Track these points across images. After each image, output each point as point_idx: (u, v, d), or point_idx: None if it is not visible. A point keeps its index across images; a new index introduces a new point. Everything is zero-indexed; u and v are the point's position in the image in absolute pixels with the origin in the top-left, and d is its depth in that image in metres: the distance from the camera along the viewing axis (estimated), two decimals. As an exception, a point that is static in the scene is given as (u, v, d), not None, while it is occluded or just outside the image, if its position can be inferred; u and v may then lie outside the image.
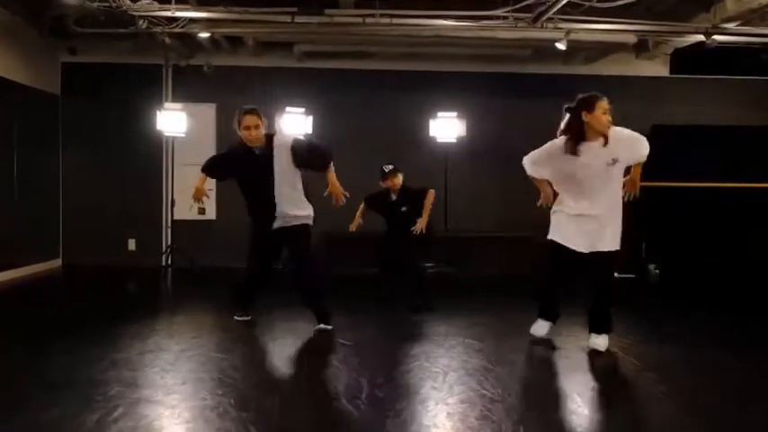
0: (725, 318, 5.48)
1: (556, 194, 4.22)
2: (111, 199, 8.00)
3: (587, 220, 3.94)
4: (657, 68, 8.44)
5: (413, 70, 8.14)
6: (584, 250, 3.94)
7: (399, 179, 5.45)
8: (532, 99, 7.98)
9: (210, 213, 8.02)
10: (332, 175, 4.42)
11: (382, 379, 3.39)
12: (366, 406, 2.98)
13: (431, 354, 3.91)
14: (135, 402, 2.98)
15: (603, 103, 3.86)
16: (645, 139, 4.01)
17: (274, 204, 4.38)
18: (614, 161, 3.88)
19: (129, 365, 3.60)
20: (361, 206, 5.60)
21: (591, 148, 3.89)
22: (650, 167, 7.95)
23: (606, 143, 3.86)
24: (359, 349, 4.05)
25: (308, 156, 4.42)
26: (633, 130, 8.57)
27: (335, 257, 7.73)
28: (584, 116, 3.86)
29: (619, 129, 3.94)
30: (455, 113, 7.37)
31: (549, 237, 4.15)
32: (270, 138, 4.44)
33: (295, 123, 7.14)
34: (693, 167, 7.71)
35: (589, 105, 3.86)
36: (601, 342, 3.97)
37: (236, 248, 7.97)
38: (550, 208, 4.23)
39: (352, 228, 5.56)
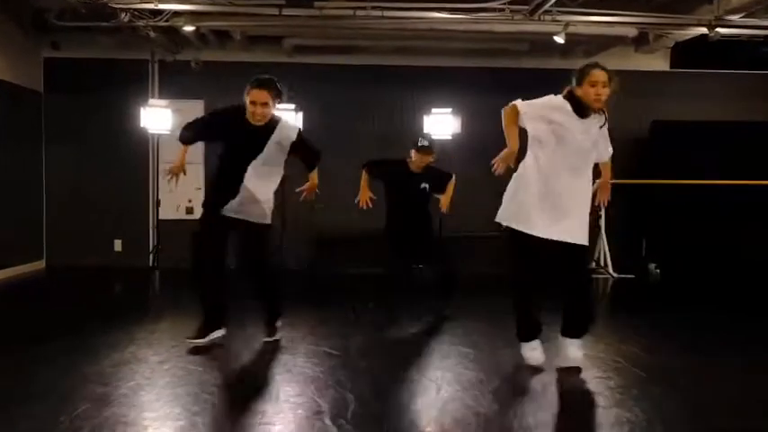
0: (729, 320, 5.30)
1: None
2: (96, 198, 7.77)
3: (559, 205, 3.40)
4: (657, 63, 8.23)
5: (406, 65, 7.90)
6: (557, 238, 3.39)
7: (430, 160, 5.21)
8: (529, 95, 7.64)
9: (198, 212, 7.77)
10: (315, 172, 4.37)
11: (370, 394, 3.17)
12: (351, 426, 2.77)
13: (423, 365, 3.71)
14: (102, 423, 2.76)
15: (594, 75, 3.38)
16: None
17: (239, 186, 3.91)
18: (593, 145, 3.51)
19: (102, 379, 3.38)
20: (365, 176, 5.25)
21: (591, 121, 3.49)
22: (650, 164, 7.93)
23: (604, 122, 3.51)
24: (347, 360, 3.83)
25: (307, 150, 4.26)
26: (633, 126, 8.36)
27: (326, 257, 7.55)
28: (576, 90, 3.45)
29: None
30: (450, 110, 7.14)
31: (506, 223, 3.53)
32: (274, 119, 4.04)
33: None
34: (694, 164, 7.49)
35: (578, 76, 3.44)
36: (580, 355, 3.56)
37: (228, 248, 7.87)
38: (513, 170, 3.57)
39: (363, 202, 5.17)
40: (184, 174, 4.14)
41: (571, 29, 6.43)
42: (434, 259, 5.31)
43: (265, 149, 3.97)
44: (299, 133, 4.16)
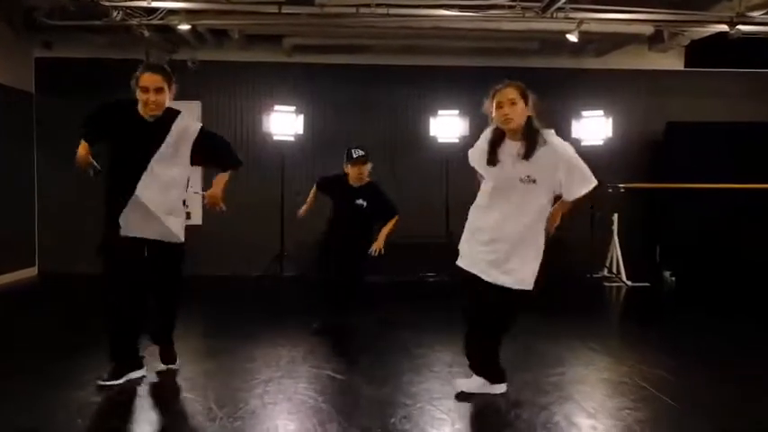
0: (754, 330, 5.02)
1: None
2: (90, 202, 7.47)
3: (494, 243, 3.17)
4: (672, 62, 7.94)
5: (411, 65, 7.61)
6: (489, 279, 3.17)
7: (367, 169, 4.95)
8: (539, 95, 7.45)
9: (196, 218, 7.51)
10: (227, 177, 3.65)
11: (377, 430, 2.89)
12: (357, 471, 2.49)
13: (434, 393, 3.41)
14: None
15: (500, 93, 3.10)
16: (591, 177, 3.18)
17: (131, 192, 3.31)
18: (529, 179, 3.09)
19: (84, 409, 3.10)
20: (313, 189, 5.21)
21: (510, 151, 3.13)
22: (665, 167, 7.63)
23: (526, 152, 3.06)
24: (351, 386, 3.55)
25: (215, 150, 3.60)
26: (646, 127, 7.95)
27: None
28: (486, 108, 3.17)
29: (560, 144, 3.13)
30: (457, 111, 6.86)
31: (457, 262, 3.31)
32: (173, 112, 3.43)
33: (285, 122, 6.64)
34: (711, 167, 7.19)
35: (489, 96, 3.16)
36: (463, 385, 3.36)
37: (224, 256, 7.61)
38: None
39: (302, 213, 5.20)
40: (95, 166, 3.47)
41: (584, 27, 6.15)
42: (350, 274, 5.03)
43: (162, 147, 3.35)
44: (203, 128, 3.55)
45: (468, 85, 7.51)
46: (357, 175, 4.92)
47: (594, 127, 6.89)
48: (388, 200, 5.05)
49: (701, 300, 6.64)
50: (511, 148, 3.15)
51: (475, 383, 3.35)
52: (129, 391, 3.37)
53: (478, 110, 7.70)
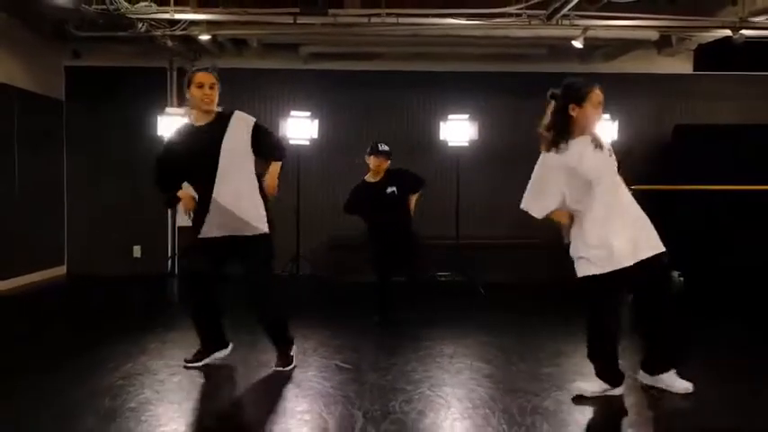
0: (759, 332, 5.12)
1: None
2: (115, 205, 7.85)
3: (625, 229, 3.26)
4: (681, 65, 8.05)
5: (422, 71, 7.85)
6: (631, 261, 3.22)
7: (386, 166, 5.21)
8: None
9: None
10: (278, 167, 3.79)
11: (378, 412, 3.12)
12: (357, 446, 2.73)
13: (435, 380, 3.64)
14: (107, 440, 2.77)
15: (597, 93, 3.28)
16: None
17: (210, 197, 3.53)
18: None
19: (112, 392, 3.39)
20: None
21: (584, 146, 3.28)
22: (673, 169, 7.74)
23: (598, 145, 3.30)
24: (358, 374, 3.78)
25: (269, 142, 3.77)
26: (655, 130, 8.18)
27: (341, 265, 7.51)
28: (572, 109, 3.27)
29: None
30: (467, 116, 7.05)
31: (583, 274, 3.30)
32: (227, 112, 3.67)
33: (300, 127, 6.90)
34: (719, 169, 7.28)
35: (580, 96, 3.26)
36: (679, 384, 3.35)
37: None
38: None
39: None
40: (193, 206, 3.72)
41: (590, 33, 6.32)
42: (414, 264, 5.31)
43: (224, 143, 3.55)
44: (257, 122, 3.74)
45: (477, 90, 7.76)
46: (376, 167, 5.16)
47: (600, 130, 7.01)
48: (410, 173, 5.32)
49: (709, 300, 6.73)
50: (581, 141, 3.31)
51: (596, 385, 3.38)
52: (152, 376, 3.65)
53: (488, 114, 7.90)
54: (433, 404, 3.26)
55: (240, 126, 3.63)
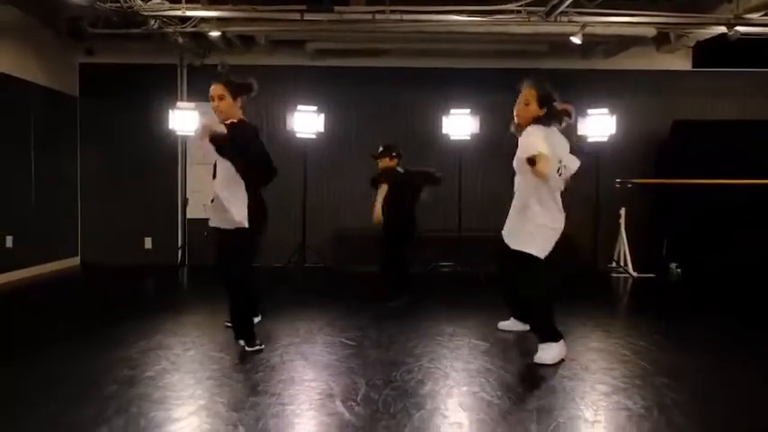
0: (748, 321, 5.28)
1: None
2: (127, 197, 8.08)
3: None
4: (679, 62, 8.22)
5: (425, 67, 8.05)
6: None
7: (393, 161, 5.60)
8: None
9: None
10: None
11: (380, 380, 3.32)
12: (360, 408, 2.92)
13: (434, 354, 3.84)
14: (129, 402, 2.97)
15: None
16: None
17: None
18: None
19: (131, 363, 3.60)
20: (383, 191, 5.43)
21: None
22: (671, 164, 7.91)
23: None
24: (360, 350, 3.99)
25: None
26: (654, 125, 8.38)
27: (345, 255, 7.71)
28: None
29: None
30: (468, 110, 7.25)
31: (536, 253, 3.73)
32: (245, 124, 3.87)
33: (307, 121, 7.11)
34: (716, 164, 7.45)
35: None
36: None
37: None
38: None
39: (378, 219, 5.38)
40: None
41: (589, 29, 6.49)
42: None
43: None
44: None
45: (479, 86, 7.94)
46: (384, 168, 5.56)
47: (599, 124, 7.17)
48: (423, 171, 5.72)
49: (705, 290, 6.86)
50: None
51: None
52: (167, 350, 3.87)
53: (489, 108, 8.08)
54: (432, 375, 3.46)
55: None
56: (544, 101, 3.75)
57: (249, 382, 3.34)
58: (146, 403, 2.97)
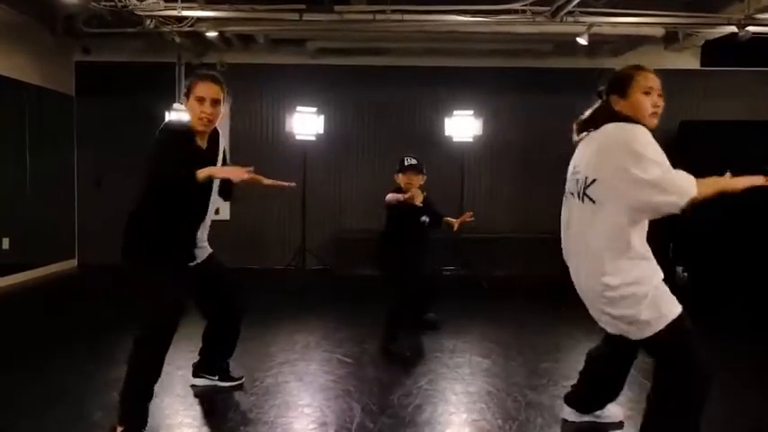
0: (755, 324, 5.16)
1: None
2: (124, 199, 7.93)
3: None
4: (688, 61, 8.04)
5: (428, 66, 7.88)
6: None
7: (418, 181, 4.43)
8: (554, 95, 7.66)
9: (224, 214, 7.93)
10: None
11: (376, 406, 3.21)
12: (355, 439, 2.81)
13: (433, 374, 3.72)
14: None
15: (649, 77, 2.52)
16: None
17: (196, 229, 3.07)
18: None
19: (117, 387, 3.48)
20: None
21: None
22: (679, 165, 7.67)
23: None
24: (358, 368, 3.87)
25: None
26: (661, 126, 8.28)
27: (345, 258, 7.60)
28: (614, 101, 2.54)
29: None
30: (471, 111, 7.09)
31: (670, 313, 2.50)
32: (216, 131, 3.06)
33: (307, 122, 6.97)
34: (724, 165, 7.24)
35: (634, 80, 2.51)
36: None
37: (249, 249, 8.01)
38: None
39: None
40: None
41: (595, 29, 6.33)
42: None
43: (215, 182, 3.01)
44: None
45: (482, 86, 7.79)
46: (406, 184, 4.43)
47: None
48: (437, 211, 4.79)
49: (712, 294, 6.75)
50: None
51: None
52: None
53: (493, 109, 7.92)
54: (431, 398, 3.34)
55: (221, 149, 3.14)
56: None
57: (241, 407, 3.22)
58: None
